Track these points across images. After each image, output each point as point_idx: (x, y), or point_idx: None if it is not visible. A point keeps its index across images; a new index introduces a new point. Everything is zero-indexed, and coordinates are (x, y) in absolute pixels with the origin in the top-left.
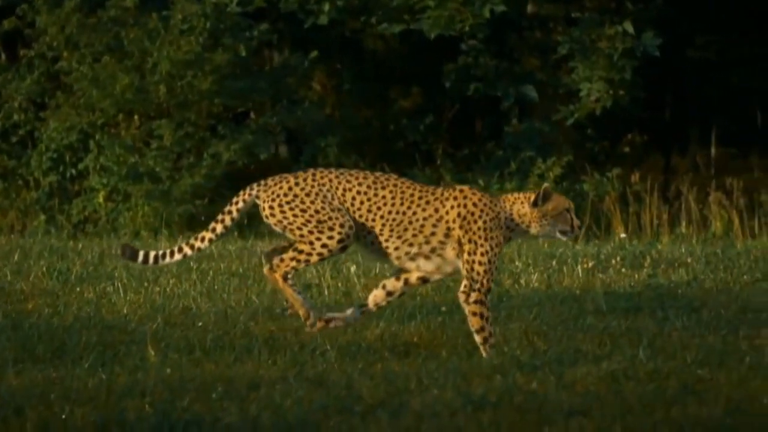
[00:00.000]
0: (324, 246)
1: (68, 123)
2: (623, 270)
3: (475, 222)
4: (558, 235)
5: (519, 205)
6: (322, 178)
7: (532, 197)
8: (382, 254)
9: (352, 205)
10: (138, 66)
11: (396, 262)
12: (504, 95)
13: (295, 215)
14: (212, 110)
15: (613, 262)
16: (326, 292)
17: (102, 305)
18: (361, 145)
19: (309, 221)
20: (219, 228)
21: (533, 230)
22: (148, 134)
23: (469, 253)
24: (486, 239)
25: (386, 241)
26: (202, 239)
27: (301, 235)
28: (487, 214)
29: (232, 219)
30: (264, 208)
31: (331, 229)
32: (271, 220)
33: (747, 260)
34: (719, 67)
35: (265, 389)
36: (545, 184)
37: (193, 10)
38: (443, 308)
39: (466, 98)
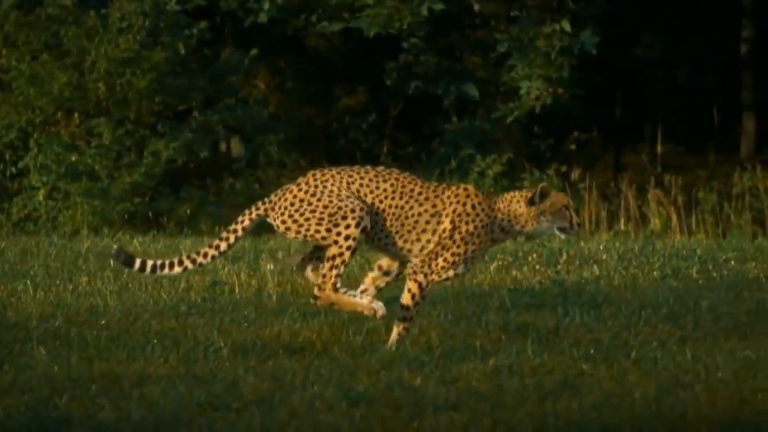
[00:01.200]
0: (347, 238)
1: (7, 121)
2: (537, 267)
3: (467, 224)
4: (557, 232)
5: (515, 205)
6: (323, 176)
7: (529, 196)
8: (382, 248)
9: (357, 194)
10: (77, 64)
11: (390, 256)
12: (444, 93)
13: (307, 219)
14: (152, 108)
15: (530, 259)
16: (237, 290)
17: (10, 303)
18: (303, 142)
19: (322, 219)
20: (223, 246)
21: (529, 228)
22: (88, 132)
23: (443, 246)
24: (467, 243)
25: (387, 236)
26: (205, 255)
27: (323, 237)
28: (481, 220)
29: (237, 238)
30: (278, 226)
31: (344, 218)
32: (290, 234)
33: (661, 257)
34: (664, 65)
35: (150, 386)
36: (542, 183)
37: (132, 8)
38: None
39: (410, 96)
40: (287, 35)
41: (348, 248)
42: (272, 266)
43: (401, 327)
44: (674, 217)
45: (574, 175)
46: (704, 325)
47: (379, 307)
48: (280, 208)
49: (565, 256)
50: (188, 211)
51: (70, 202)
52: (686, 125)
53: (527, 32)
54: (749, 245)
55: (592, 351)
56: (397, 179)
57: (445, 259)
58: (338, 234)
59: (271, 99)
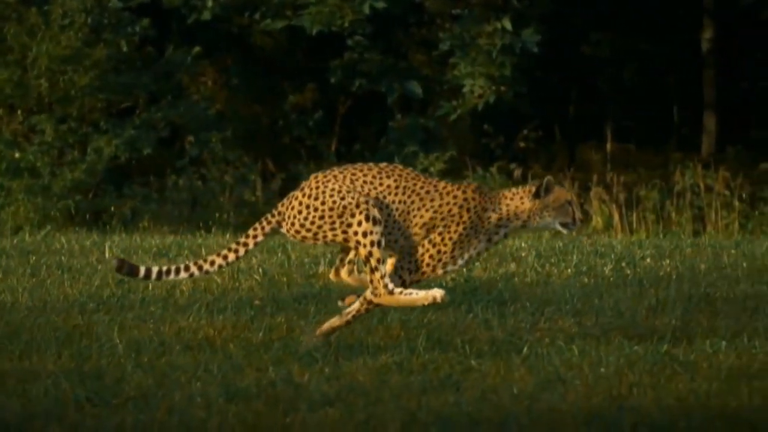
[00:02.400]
0: (365, 234)
1: None
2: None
3: (457, 225)
4: (559, 227)
5: (518, 201)
6: (325, 177)
7: (533, 189)
8: (387, 245)
9: (362, 190)
10: (18, 61)
11: (394, 251)
12: (388, 91)
13: (319, 226)
14: (95, 105)
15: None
16: (150, 286)
17: None
18: (249, 140)
19: (333, 222)
20: (231, 256)
21: (532, 223)
22: (30, 129)
23: (432, 242)
24: (454, 243)
25: (389, 233)
26: (212, 263)
27: (344, 239)
28: (473, 223)
29: (247, 251)
30: (293, 236)
31: (353, 215)
32: (308, 242)
33: (580, 254)
34: (612, 63)
35: (36, 383)
36: (547, 177)
37: (74, 5)
38: (256, 302)
39: (358, 94)
40: (232, 33)
41: (372, 244)
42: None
43: (363, 308)
44: (616, 216)
45: (517, 173)
46: (603, 321)
47: (437, 292)
48: (289, 217)
49: (485, 254)
50: (131, 209)
51: (11, 199)
52: (644, 123)
53: (469, 31)
54: (665, 242)
55: (485, 347)
56: (400, 175)
57: (431, 256)
58: (355, 233)
59: (217, 96)
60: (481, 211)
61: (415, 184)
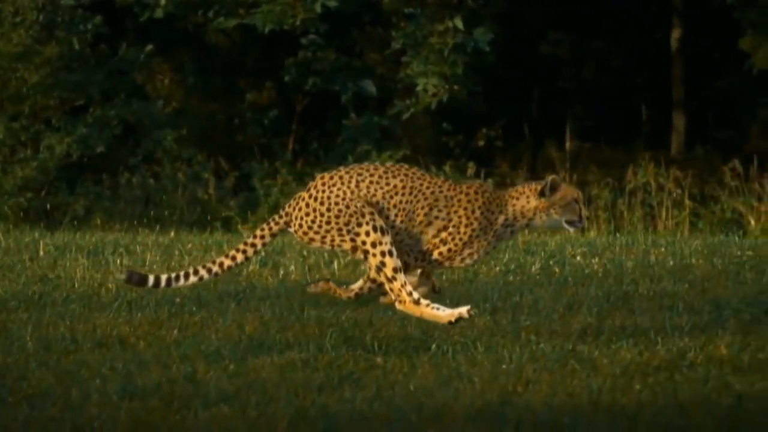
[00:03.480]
0: (374, 245)
1: None
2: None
3: (467, 226)
4: (565, 225)
5: (524, 200)
6: (331, 179)
7: (539, 188)
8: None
9: (368, 191)
10: None
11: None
12: (342, 89)
13: (327, 231)
14: (47, 103)
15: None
16: (77, 284)
17: None
18: (204, 138)
19: (340, 230)
20: (239, 257)
21: (538, 221)
22: None
23: (444, 241)
24: (465, 243)
25: (397, 233)
26: (221, 265)
27: (353, 248)
28: (481, 223)
29: (255, 251)
30: (301, 237)
31: (359, 224)
32: (315, 245)
33: (512, 252)
34: (572, 62)
35: None
36: (552, 175)
37: (26, 2)
38: (177, 299)
39: (315, 93)
40: (188, 31)
41: (384, 254)
42: (122, 261)
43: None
44: None
45: (470, 170)
46: (519, 319)
47: (463, 309)
48: (297, 218)
49: None
50: (84, 207)
51: None
52: (611, 122)
53: (421, 30)
54: (601, 240)
55: (396, 344)
56: (406, 175)
57: (440, 253)
58: (363, 243)
59: (174, 94)
60: (487, 212)
61: (421, 185)
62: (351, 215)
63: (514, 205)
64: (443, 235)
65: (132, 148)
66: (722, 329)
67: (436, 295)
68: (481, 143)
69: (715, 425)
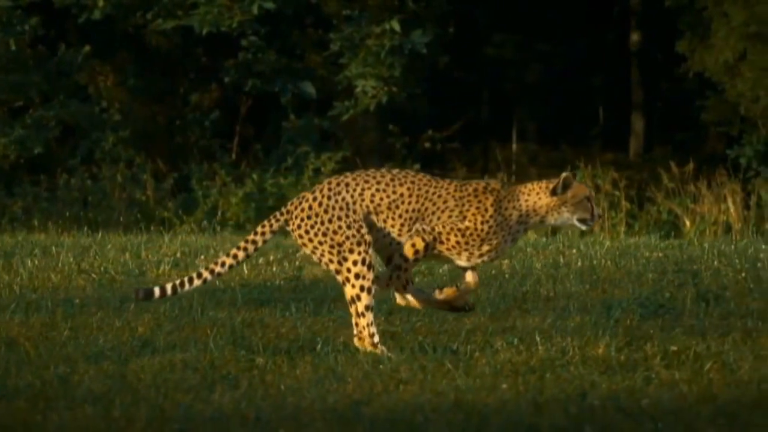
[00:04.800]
0: (357, 276)
1: None
2: (297, 263)
3: (482, 224)
4: (577, 223)
5: (535, 196)
6: (338, 185)
7: (551, 186)
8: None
9: (372, 202)
10: None
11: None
12: (282, 91)
13: (321, 242)
14: None
15: (298, 254)
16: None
17: None
18: (144, 140)
19: (332, 247)
20: (241, 255)
21: (550, 219)
22: None
23: (462, 232)
24: (483, 240)
25: (401, 236)
26: (222, 264)
27: (336, 270)
28: (496, 220)
29: (256, 249)
30: (296, 238)
31: (351, 251)
32: (306, 250)
33: None
34: (517, 64)
35: None
36: (565, 173)
37: None
38: (77, 301)
39: (256, 94)
40: (128, 32)
41: (362, 288)
42: (33, 263)
43: (395, 274)
44: None
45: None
46: (412, 320)
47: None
48: (297, 218)
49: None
50: (21, 208)
51: None
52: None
53: (359, 32)
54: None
55: (283, 345)
56: (413, 182)
57: (457, 242)
58: (348, 270)
59: (115, 96)
60: (500, 207)
61: (427, 191)
62: (348, 237)
63: (526, 201)
64: (462, 225)
65: (71, 150)
66: (607, 329)
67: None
68: (427, 145)
69: (566, 423)
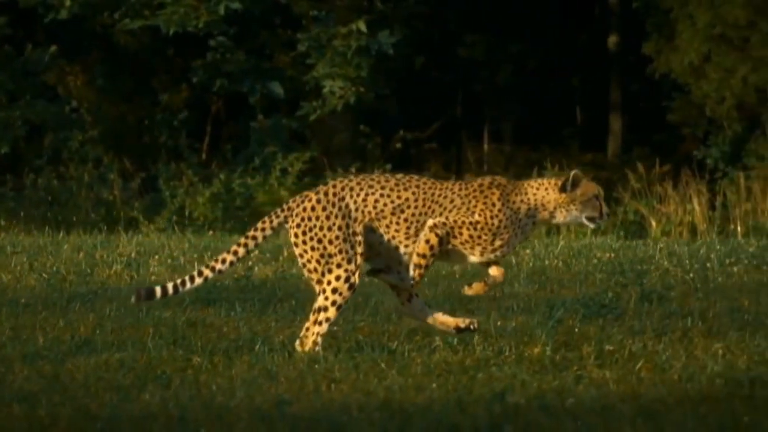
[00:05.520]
0: (335, 291)
1: None
2: (249, 263)
3: (492, 218)
4: (585, 222)
5: (543, 191)
6: (342, 189)
7: (560, 183)
8: (400, 254)
9: (374, 208)
10: None
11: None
12: (250, 91)
13: (313, 248)
14: None
15: (282, 255)
16: None
17: None
18: (113, 139)
19: (322, 256)
20: (241, 251)
21: (559, 217)
22: None
23: (474, 226)
24: (494, 234)
25: (408, 239)
26: (223, 261)
27: (317, 280)
28: (504, 213)
29: (256, 244)
30: (290, 236)
31: (339, 266)
32: (297, 250)
33: None
34: (488, 64)
35: None
36: (574, 171)
37: None
38: (22, 300)
39: (225, 94)
40: (96, 32)
41: (334, 303)
42: None
43: (417, 272)
44: None
45: (377, 173)
46: (355, 319)
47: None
48: (297, 216)
49: (286, 253)
50: None
51: None
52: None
53: (326, 32)
54: None
55: (223, 345)
56: (417, 186)
57: (470, 236)
58: (329, 282)
59: (84, 96)
60: (507, 201)
61: (433, 193)
62: (341, 252)
63: (534, 195)
64: (472, 219)
65: (38, 150)
66: (546, 329)
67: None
68: (398, 146)
69: (488, 422)
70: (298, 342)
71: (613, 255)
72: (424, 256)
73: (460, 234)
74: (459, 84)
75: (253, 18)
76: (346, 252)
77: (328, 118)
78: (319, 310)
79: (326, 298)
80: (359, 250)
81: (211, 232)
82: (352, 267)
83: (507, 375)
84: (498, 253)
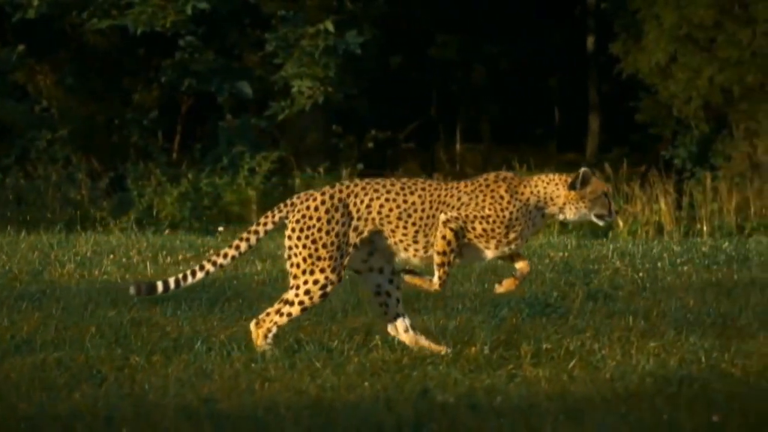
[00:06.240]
0: (307, 292)
1: None
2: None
3: (503, 210)
4: (594, 219)
5: (553, 186)
6: (348, 195)
7: (569, 180)
8: (407, 256)
9: (379, 214)
10: None
11: (416, 262)
12: (218, 91)
13: (304, 245)
14: None
15: (206, 254)
16: None
17: None
18: (81, 138)
19: (311, 256)
20: (243, 246)
21: (568, 215)
22: None
23: (486, 219)
24: (507, 227)
25: (423, 247)
26: (225, 256)
27: (294, 275)
28: (513, 205)
29: (258, 239)
30: (287, 229)
31: (322, 270)
32: (288, 243)
33: None
34: (460, 65)
35: None
36: (584, 168)
37: None
38: None
39: (198, 94)
40: (65, 32)
41: (300, 304)
42: None
43: (441, 271)
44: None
45: (346, 172)
46: (300, 318)
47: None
48: (299, 212)
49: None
50: None
51: None
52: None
53: (294, 32)
54: None
55: (164, 344)
56: (423, 189)
57: (484, 229)
58: (305, 282)
59: (53, 95)
60: (515, 192)
61: (439, 194)
62: (330, 258)
63: (545, 189)
64: (483, 213)
65: (6, 149)
66: (489, 328)
67: None
68: (371, 145)
69: (413, 420)
70: (254, 322)
71: (566, 254)
72: (444, 253)
73: (473, 228)
74: (434, 84)
75: (221, 18)
76: (335, 260)
77: (300, 117)
78: (286, 302)
79: (296, 295)
80: (346, 262)
81: (167, 231)
82: (333, 277)
83: (441, 374)
84: (512, 246)
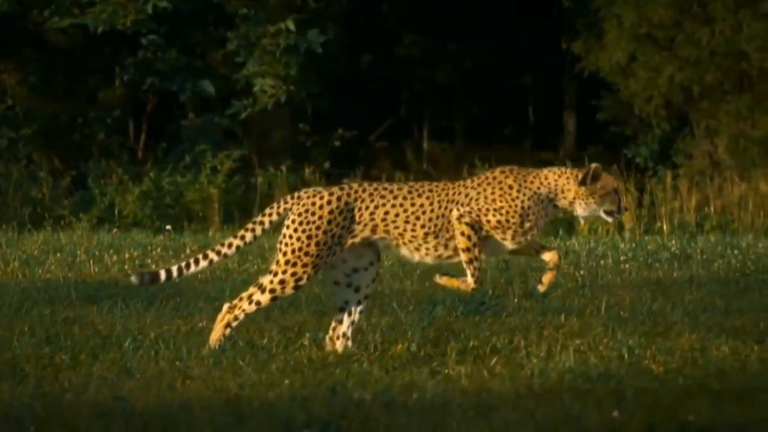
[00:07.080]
0: (281, 282)
1: None
2: (147, 260)
3: (513, 199)
4: (603, 215)
5: (564, 180)
6: (355, 200)
7: (580, 175)
8: (420, 257)
9: (383, 221)
10: None
11: (429, 261)
12: (180, 90)
13: (298, 238)
14: None
15: (185, 253)
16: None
17: None
18: (44, 137)
19: (300, 248)
20: (248, 236)
21: (578, 210)
22: None
23: (500, 211)
24: (522, 216)
25: (433, 249)
26: (229, 245)
27: (277, 260)
28: (524, 194)
29: (263, 230)
30: (288, 219)
31: (305, 266)
32: (284, 230)
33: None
34: (425, 64)
35: None
36: (595, 164)
37: None
38: None
39: (160, 92)
40: (28, 30)
41: (272, 292)
42: None
43: (472, 267)
44: None
45: (308, 170)
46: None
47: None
48: (302, 206)
49: (188, 250)
50: None
51: None
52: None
53: (255, 31)
54: None
55: (98, 343)
56: (431, 190)
57: (498, 221)
58: (284, 272)
59: (16, 94)
60: (524, 181)
61: (447, 194)
62: (317, 257)
63: (555, 181)
64: (497, 205)
65: None
66: (420, 326)
67: None
68: (337, 144)
69: (326, 417)
70: (227, 306)
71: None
72: (468, 249)
73: (488, 221)
74: (402, 83)
75: (184, 17)
76: (320, 260)
77: (263, 116)
78: (260, 287)
79: (271, 282)
80: (326, 263)
81: (115, 230)
82: (311, 272)
83: (364, 371)
84: (528, 236)
